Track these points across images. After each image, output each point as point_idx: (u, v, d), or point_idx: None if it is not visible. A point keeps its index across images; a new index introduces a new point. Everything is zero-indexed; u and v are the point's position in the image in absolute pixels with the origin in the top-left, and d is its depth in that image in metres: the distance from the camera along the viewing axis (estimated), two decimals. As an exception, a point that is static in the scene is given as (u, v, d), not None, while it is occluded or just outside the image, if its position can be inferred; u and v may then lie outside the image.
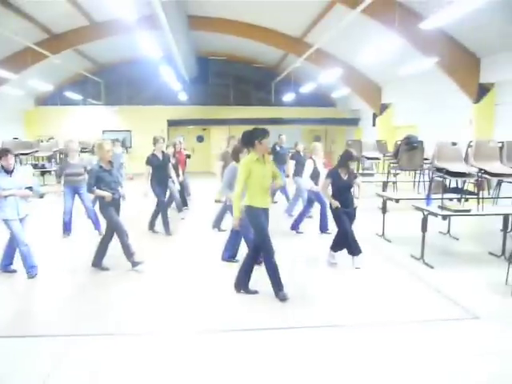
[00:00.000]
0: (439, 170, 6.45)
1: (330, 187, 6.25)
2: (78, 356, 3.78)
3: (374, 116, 16.96)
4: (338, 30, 10.48)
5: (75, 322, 4.46)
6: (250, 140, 4.88)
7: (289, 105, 20.01)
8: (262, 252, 5.01)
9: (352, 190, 6.42)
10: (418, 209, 6.70)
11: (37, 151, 14.31)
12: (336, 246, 6.27)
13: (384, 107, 15.92)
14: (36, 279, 5.63)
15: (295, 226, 8.29)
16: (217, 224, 8.19)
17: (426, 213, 6.45)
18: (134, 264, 5.95)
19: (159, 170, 7.96)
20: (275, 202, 10.97)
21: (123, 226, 5.91)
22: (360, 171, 12.08)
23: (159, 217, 8.17)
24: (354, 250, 6.14)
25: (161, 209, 8.10)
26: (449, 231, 8.11)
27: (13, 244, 5.65)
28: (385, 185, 10.93)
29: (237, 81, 21.36)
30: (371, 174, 12.45)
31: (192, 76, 18.84)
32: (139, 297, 5.17)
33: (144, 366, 3.62)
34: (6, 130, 16.10)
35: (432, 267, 6.21)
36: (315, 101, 20.22)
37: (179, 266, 6.36)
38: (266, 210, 4.99)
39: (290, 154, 10.21)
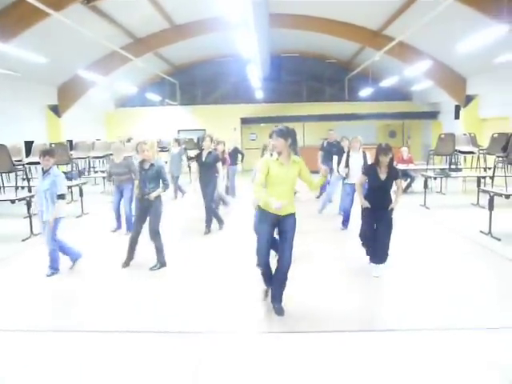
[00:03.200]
0: None
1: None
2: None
3: (457, 108, 16.14)
4: (425, 22, 10.07)
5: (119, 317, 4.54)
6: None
7: (363, 100, 19.56)
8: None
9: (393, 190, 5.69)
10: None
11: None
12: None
13: (469, 99, 15.10)
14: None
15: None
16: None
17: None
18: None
19: (204, 168, 7.87)
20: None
21: (135, 228, 6.04)
22: (448, 166, 11.61)
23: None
24: (375, 256, 5.61)
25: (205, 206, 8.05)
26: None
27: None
28: (479, 180, 10.41)
29: (309, 77, 21.19)
30: (459, 169, 11.90)
31: (265, 74, 18.91)
32: (176, 295, 5.16)
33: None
34: (90, 131, 17.03)
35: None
36: (390, 95, 19.62)
37: (217, 266, 6.25)
38: (274, 216, 4.38)
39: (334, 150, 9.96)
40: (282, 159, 4.36)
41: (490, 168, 11.39)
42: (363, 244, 5.83)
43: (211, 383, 3.39)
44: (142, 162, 6.00)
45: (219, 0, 8.19)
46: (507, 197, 7.17)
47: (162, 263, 6.05)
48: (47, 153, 5.62)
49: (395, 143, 18.78)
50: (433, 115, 18.72)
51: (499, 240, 7.17)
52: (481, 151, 10.95)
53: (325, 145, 10.86)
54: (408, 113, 19.30)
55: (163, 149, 15.68)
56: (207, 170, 7.87)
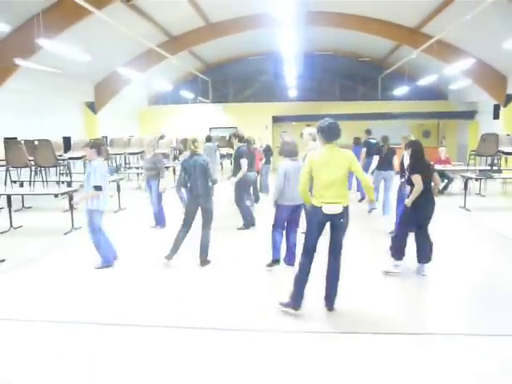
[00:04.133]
0: None
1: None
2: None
3: (496, 108, 15.70)
4: (465, 20, 9.83)
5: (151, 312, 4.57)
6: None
7: (396, 99, 19.29)
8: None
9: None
10: None
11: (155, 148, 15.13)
12: (394, 252, 5.57)
13: (510, 98, 14.67)
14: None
15: None
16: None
17: None
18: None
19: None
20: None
21: (186, 223, 5.97)
22: (490, 167, 11.30)
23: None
24: (424, 256, 5.47)
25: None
26: None
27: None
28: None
29: (342, 75, 21.03)
30: (499, 171, 11.54)
31: (298, 72, 18.84)
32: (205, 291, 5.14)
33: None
34: (124, 128, 17.32)
35: None
36: (424, 94, 19.27)
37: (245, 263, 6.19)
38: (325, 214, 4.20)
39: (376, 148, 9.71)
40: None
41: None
42: (400, 246, 5.56)
43: (243, 381, 3.39)
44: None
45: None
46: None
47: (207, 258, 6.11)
48: (92, 145, 5.84)
49: (429, 143, 18.44)
50: (470, 115, 18.26)
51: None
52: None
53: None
54: (443, 112, 18.90)
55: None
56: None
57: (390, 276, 5.52)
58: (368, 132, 10.96)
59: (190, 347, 3.88)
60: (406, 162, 7.33)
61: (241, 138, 8.17)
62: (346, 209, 4.27)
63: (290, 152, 5.70)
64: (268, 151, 12.35)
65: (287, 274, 4.96)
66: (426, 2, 12.43)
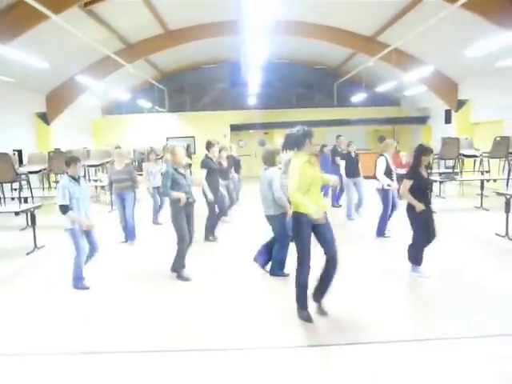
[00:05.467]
0: None
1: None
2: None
3: (448, 113, 16.40)
4: (420, 30, 10.21)
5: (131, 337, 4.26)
6: (301, 140, 4.32)
7: (352, 105, 19.73)
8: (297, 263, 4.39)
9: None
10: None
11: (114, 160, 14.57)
12: (416, 259, 5.59)
13: (461, 103, 15.36)
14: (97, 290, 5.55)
15: (380, 232, 7.78)
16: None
17: None
18: (180, 277, 5.78)
19: (213, 175, 7.66)
20: (339, 206, 10.78)
21: (187, 236, 5.73)
22: (452, 170, 11.69)
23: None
24: (421, 258, 5.57)
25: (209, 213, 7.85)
26: None
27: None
28: (483, 183, 10.47)
29: (299, 83, 21.22)
30: (456, 173, 11.94)
31: (256, 80, 18.81)
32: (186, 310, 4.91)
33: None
34: (76, 139, 16.53)
35: None
36: (378, 101, 19.85)
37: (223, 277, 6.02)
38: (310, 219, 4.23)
39: (342, 155, 9.97)
40: (312, 159, 4.40)
41: (487, 171, 11.60)
42: (419, 251, 5.56)
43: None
44: (177, 167, 5.81)
45: (216, 6, 8.02)
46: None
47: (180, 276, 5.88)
48: (78, 159, 5.41)
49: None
50: (422, 120, 18.98)
51: (518, 242, 7.21)
52: (484, 154, 11.04)
53: (339, 150, 10.64)
54: (397, 118, 19.53)
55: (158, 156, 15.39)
56: (215, 175, 7.76)
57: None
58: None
59: (177, 372, 3.63)
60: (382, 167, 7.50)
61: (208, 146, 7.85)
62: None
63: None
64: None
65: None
66: (381, 12, 12.76)
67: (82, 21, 10.89)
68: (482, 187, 10.32)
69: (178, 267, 5.81)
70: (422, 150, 5.48)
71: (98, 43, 11.19)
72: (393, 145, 7.78)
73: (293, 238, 4.46)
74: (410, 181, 5.46)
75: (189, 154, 18.48)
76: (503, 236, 7.51)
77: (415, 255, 5.57)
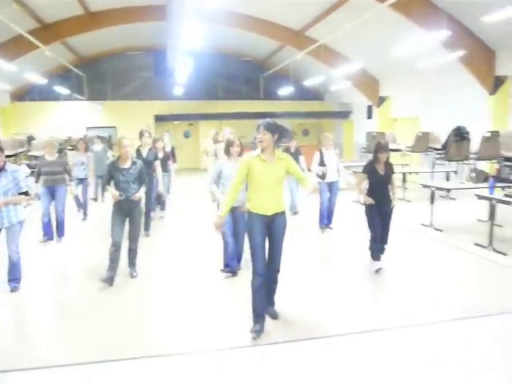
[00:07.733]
0: (508, 159, 6.50)
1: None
2: None
3: (370, 109, 17.14)
4: (348, 26, 10.51)
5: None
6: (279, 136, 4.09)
7: (278, 98, 19.92)
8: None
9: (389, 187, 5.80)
10: (481, 198, 6.75)
11: (29, 150, 13.42)
12: (372, 254, 5.74)
13: (381, 100, 16.12)
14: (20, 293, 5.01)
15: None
16: None
17: (493, 202, 6.52)
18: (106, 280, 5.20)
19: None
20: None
21: (115, 237, 5.19)
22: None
23: None
24: (380, 251, 5.73)
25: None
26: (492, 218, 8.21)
27: None
28: (405, 176, 11.01)
29: (225, 75, 20.98)
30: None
31: (182, 69, 18.28)
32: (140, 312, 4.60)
33: None
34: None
35: (505, 254, 6.26)
36: (303, 94, 20.22)
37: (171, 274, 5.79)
38: (264, 217, 4.03)
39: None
40: (266, 156, 4.01)
41: (407, 164, 12.26)
42: (375, 242, 5.65)
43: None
44: (119, 160, 5.33)
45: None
46: (448, 191, 7.63)
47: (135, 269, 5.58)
48: (1, 148, 4.72)
49: (308, 141, 19.44)
50: (345, 115, 19.66)
51: (441, 231, 7.64)
52: (406, 149, 11.62)
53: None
54: (322, 112, 20.05)
55: (71, 147, 14.46)
56: (147, 168, 7.32)
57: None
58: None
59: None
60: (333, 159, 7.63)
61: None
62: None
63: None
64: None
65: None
66: (310, 7, 12.90)
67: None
68: (404, 180, 10.86)
69: (107, 269, 5.21)
70: (377, 148, 5.58)
71: (7, 19, 10.13)
72: (328, 137, 7.90)
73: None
74: (364, 174, 5.68)
75: (110, 145, 17.57)
76: (428, 226, 7.94)
77: (371, 250, 5.74)
